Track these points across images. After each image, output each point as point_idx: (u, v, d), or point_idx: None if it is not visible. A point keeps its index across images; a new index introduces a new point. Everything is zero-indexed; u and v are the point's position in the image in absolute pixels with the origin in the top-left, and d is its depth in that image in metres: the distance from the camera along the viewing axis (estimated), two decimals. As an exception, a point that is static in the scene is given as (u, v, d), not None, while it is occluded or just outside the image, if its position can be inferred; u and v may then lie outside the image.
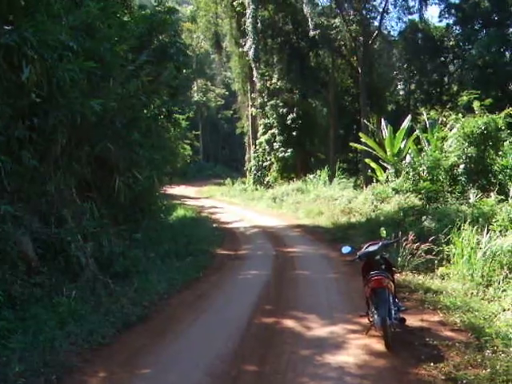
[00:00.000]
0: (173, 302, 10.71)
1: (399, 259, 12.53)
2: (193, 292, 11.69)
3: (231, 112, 75.45)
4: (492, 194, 15.79)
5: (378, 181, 24.68)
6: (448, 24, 48.54)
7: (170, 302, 10.68)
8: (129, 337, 8.45)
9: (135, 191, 13.53)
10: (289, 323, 9.08)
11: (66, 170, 11.02)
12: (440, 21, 49.05)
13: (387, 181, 23.04)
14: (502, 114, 18.93)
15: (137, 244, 13.40)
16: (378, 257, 7.91)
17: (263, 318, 9.57)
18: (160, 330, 8.88)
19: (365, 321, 8.24)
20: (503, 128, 18.82)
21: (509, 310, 8.55)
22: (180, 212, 25.91)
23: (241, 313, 9.85)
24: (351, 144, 31.51)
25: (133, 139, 13.47)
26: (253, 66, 45.05)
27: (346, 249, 8.40)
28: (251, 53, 43.62)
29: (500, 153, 18.98)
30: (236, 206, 38.67)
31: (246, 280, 13.39)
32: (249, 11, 43.37)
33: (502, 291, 9.50)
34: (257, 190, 43.57)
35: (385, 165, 25.35)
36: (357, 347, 7.63)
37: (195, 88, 74.75)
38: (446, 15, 48.01)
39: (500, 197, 15.23)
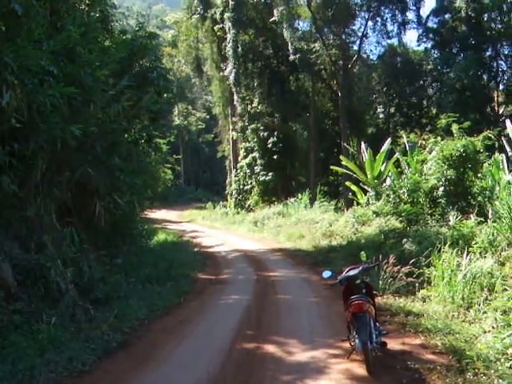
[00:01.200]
0: (154, 328, 10.62)
1: (380, 282, 12.56)
2: (174, 317, 11.62)
3: (212, 136, 75.64)
4: (471, 215, 15.90)
5: (358, 204, 24.80)
6: (426, 48, 49.29)
7: (150, 328, 10.59)
8: (110, 364, 8.35)
9: (116, 216, 13.48)
10: (270, 348, 9.05)
11: (46, 195, 10.97)
12: (418, 45, 49.79)
13: (368, 204, 23.18)
14: (481, 137, 19.13)
15: (117, 269, 13.31)
16: (358, 281, 7.92)
17: (244, 343, 9.52)
18: (141, 356, 8.79)
19: (346, 345, 8.23)
20: (481, 150, 19.03)
21: (489, 331, 8.58)
22: (161, 236, 25.80)
23: (222, 338, 9.79)
24: (332, 167, 31.65)
25: (113, 164, 13.44)
26: (233, 89, 45.25)
27: (326, 273, 8.40)
28: (232, 77, 43.88)
29: (479, 175, 19.22)
30: (217, 229, 38.58)
31: (228, 305, 13.34)
32: (229, 36, 43.70)
33: (483, 313, 9.53)
34: (238, 213, 43.54)
35: (365, 188, 25.50)
36: (338, 372, 7.61)
37: (176, 112, 74.83)
38: (424, 39, 48.79)
39: (479, 219, 15.33)
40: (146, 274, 14.49)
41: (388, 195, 21.11)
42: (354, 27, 46.65)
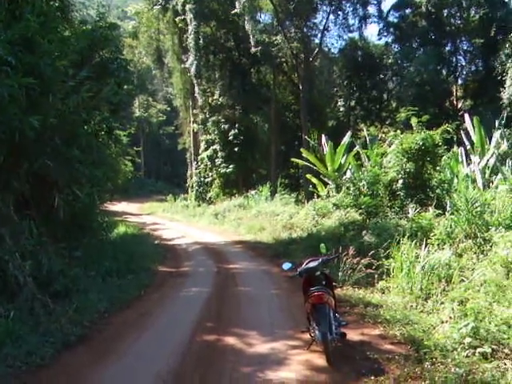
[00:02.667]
0: (114, 321, 10.54)
1: (340, 274, 12.69)
2: (134, 310, 11.56)
3: (173, 128, 75.31)
4: (430, 208, 16.09)
5: (319, 196, 24.91)
6: (387, 42, 49.84)
7: (111, 321, 10.51)
8: (69, 357, 8.26)
9: (75, 208, 13.32)
10: (230, 340, 9.06)
11: (4, 187, 10.80)
12: (379, 39, 50.14)
13: (328, 196, 23.30)
14: (439, 130, 19.39)
15: (77, 262, 13.14)
16: (318, 273, 7.97)
17: (204, 335, 9.52)
18: (101, 350, 8.73)
19: (306, 336, 8.29)
20: (440, 144, 19.28)
21: (447, 322, 8.70)
22: (121, 229, 25.58)
23: (182, 331, 9.78)
24: (293, 159, 31.74)
25: (72, 156, 13.26)
26: (194, 82, 45.11)
27: (286, 265, 8.44)
28: (193, 69, 43.73)
29: (437, 168, 19.53)
30: (178, 222, 38.49)
31: (188, 297, 13.31)
32: (191, 27, 43.48)
33: (440, 304, 9.67)
34: (199, 206, 43.50)
35: (326, 180, 25.65)
36: (298, 363, 7.66)
37: (137, 104, 74.29)
38: (385, 33, 49.32)
39: (438, 211, 15.53)
40: (106, 267, 14.34)
41: (348, 188, 21.26)
42: (315, 20, 46.90)
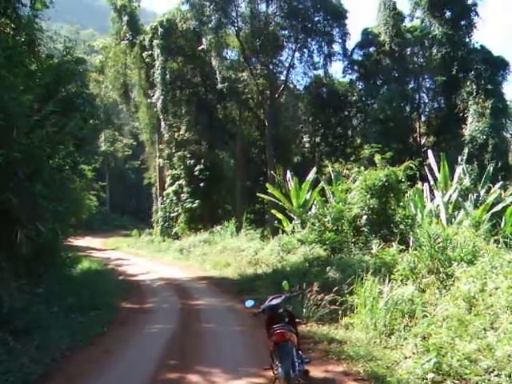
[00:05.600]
0: (76, 359, 10.38)
1: (304, 310, 12.64)
2: (97, 348, 11.38)
3: (139, 162, 75.11)
4: (393, 243, 16.23)
5: (284, 232, 24.96)
6: (351, 79, 50.66)
7: (72, 359, 10.35)
8: (29, 397, 8.11)
9: (38, 243, 13.17)
10: (193, 378, 8.97)
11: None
12: (344, 76, 50.95)
13: (293, 232, 23.36)
14: (403, 167, 19.69)
15: (39, 298, 12.97)
16: (281, 310, 7.95)
17: (168, 373, 9.40)
18: (61, 388, 8.59)
19: (269, 374, 8.22)
20: (403, 180, 19.54)
21: (410, 357, 8.75)
22: (85, 264, 25.27)
23: (145, 369, 9.65)
24: (258, 195, 31.81)
25: (36, 191, 13.16)
26: (161, 116, 45.39)
27: (249, 302, 8.39)
28: (159, 104, 44.02)
29: (401, 204, 19.72)
30: (143, 257, 38.10)
31: (151, 334, 13.17)
32: (158, 63, 43.89)
33: (404, 339, 9.72)
34: (164, 241, 43.24)
35: (291, 216, 25.73)
36: (262, 401, 7.61)
37: (102, 138, 73.99)
38: (350, 71, 50.27)
39: (401, 246, 15.68)
40: (68, 303, 14.15)
41: (313, 223, 21.33)
42: (281, 58, 47.79)
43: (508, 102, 46.28)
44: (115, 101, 64.48)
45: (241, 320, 13.95)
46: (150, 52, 46.31)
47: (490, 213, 20.20)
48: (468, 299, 9.83)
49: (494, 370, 7.42)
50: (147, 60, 47.29)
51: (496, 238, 13.48)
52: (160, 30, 44.29)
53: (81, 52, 52.02)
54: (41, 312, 12.07)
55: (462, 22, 44.61)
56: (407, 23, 47.93)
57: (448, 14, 44.92)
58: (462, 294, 10.04)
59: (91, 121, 19.46)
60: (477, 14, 44.66)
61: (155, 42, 44.38)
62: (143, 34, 47.99)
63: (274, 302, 8.05)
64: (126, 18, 49.83)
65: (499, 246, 11.55)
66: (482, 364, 7.61)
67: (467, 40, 44.67)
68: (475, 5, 44.78)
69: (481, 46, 44.62)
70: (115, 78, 53.51)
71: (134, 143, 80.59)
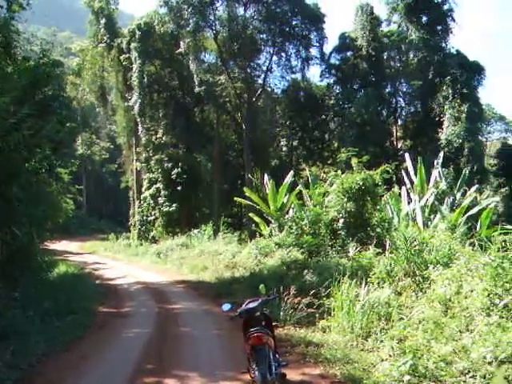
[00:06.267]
0: (52, 364, 10.29)
1: (281, 313, 12.69)
2: (73, 353, 11.29)
3: (116, 166, 74.73)
4: (370, 247, 16.32)
5: (261, 235, 24.96)
6: (329, 83, 50.97)
7: (49, 364, 10.26)
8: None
9: (14, 247, 13.07)
10: (171, 382, 8.96)
11: None
12: (321, 80, 51.24)
13: (271, 235, 23.36)
14: (379, 170, 19.82)
15: (15, 303, 12.86)
16: (258, 313, 7.96)
17: (145, 377, 9.37)
18: (38, 394, 8.52)
19: (247, 377, 8.22)
20: (380, 183, 19.68)
21: (386, 360, 8.80)
22: (62, 268, 25.06)
23: (122, 373, 9.61)
24: (235, 199, 31.78)
25: (12, 194, 13.06)
26: (138, 120, 45.25)
27: (226, 306, 8.38)
28: (137, 107, 43.91)
29: (377, 207, 19.85)
30: (120, 261, 37.92)
31: (129, 339, 13.12)
32: (135, 66, 43.76)
33: (380, 342, 9.80)
34: (141, 245, 43.06)
35: (269, 219, 25.75)
36: (239, 404, 7.62)
37: (79, 141, 73.54)
38: (327, 75, 50.54)
39: (378, 250, 15.77)
40: (45, 308, 14.03)
41: (290, 227, 21.38)
42: (259, 61, 47.98)
43: (483, 107, 46.88)
44: (92, 104, 64.08)
45: (218, 323, 13.93)
46: (127, 55, 46.16)
47: (465, 216, 20.38)
48: (444, 302, 9.92)
49: (469, 372, 7.48)
50: (125, 63, 47.10)
51: (472, 240, 13.58)
52: (138, 32, 44.18)
53: (58, 54, 51.76)
54: (17, 317, 11.97)
55: (439, 27, 45.12)
56: (384, 28, 48.48)
57: (424, 19, 45.41)
58: (438, 296, 10.12)
59: (68, 124, 19.33)
60: (453, 19, 45.25)
61: (133, 44, 44.27)
62: (121, 36, 47.82)
63: (251, 305, 8.06)
64: (103, 21, 49.61)
65: (475, 248, 11.63)
66: (458, 366, 7.67)
67: (443, 45, 45.18)
68: (451, 10, 45.40)
69: (457, 50, 45.16)
70: (92, 80, 53.20)
71: (112, 146, 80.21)
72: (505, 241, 9.76)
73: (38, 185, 16.16)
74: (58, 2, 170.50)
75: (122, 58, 47.28)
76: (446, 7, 45.52)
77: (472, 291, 9.42)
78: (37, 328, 12.24)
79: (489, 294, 8.79)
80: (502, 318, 8.30)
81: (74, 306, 15.68)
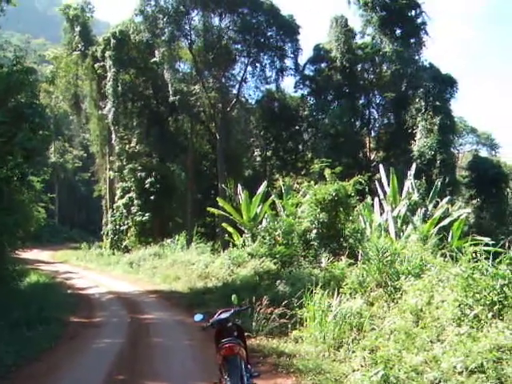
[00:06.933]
0: (22, 375, 10.17)
1: (254, 324, 12.67)
2: (44, 363, 11.16)
3: (89, 174, 74.33)
4: (343, 257, 16.37)
5: (234, 245, 24.93)
6: (303, 94, 51.13)
7: (18, 375, 10.13)
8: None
9: (-16, 256, 12.94)
10: (143, 394, 8.92)
11: None
12: (295, 91, 51.43)
13: (244, 245, 23.35)
14: (352, 181, 19.92)
15: (-16, 312, 12.71)
16: (230, 324, 7.93)
17: (116, 388, 9.32)
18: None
19: (219, 388, 8.23)
20: (353, 194, 19.79)
21: (358, 370, 8.82)
22: (33, 277, 24.85)
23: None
24: (209, 208, 31.71)
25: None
26: (112, 128, 45.13)
27: (198, 316, 8.34)
28: (111, 115, 43.76)
29: (350, 218, 19.95)
30: (92, 271, 37.64)
31: (100, 349, 13.00)
32: (110, 74, 43.65)
33: (352, 352, 9.81)
34: (114, 254, 42.80)
35: (242, 229, 25.73)
36: (211, 415, 7.58)
37: (52, 149, 72.98)
38: (301, 86, 50.69)
39: (350, 260, 15.80)
40: (15, 318, 13.90)
41: (263, 237, 21.42)
42: (233, 71, 48.10)
43: (455, 119, 47.44)
44: (66, 112, 63.75)
45: (190, 334, 13.87)
46: (102, 63, 46.03)
47: (437, 227, 20.62)
48: (415, 312, 9.97)
49: (439, 382, 7.52)
50: (99, 71, 46.99)
51: (443, 251, 13.68)
52: (113, 41, 44.08)
53: (31, 62, 51.31)
54: (-14, 327, 11.83)
55: (412, 40, 45.63)
56: (358, 40, 48.79)
57: (398, 31, 45.90)
58: (410, 307, 10.18)
59: (41, 131, 19.16)
60: (426, 32, 45.82)
61: (107, 53, 44.15)
62: (96, 44, 47.71)
63: (223, 315, 8.03)
64: (78, 29, 49.48)
65: (446, 259, 11.73)
66: (429, 376, 7.70)
67: (416, 58, 45.66)
68: (424, 24, 45.97)
69: (430, 63, 45.73)
70: (66, 88, 52.96)
71: (85, 155, 79.84)
72: (475, 252, 9.85)
73: (10, 193, 16.01)
74: (32, 8, 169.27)
75: (96, 66, 47.15)
76: (419, 21, 46.12)
77: (443, 302, 9.48)
78: (6, 338, 12.10)
79: (459, 305, 8.85)
80: (473, 328, 8.35)
81: (45, 315, 15.53)
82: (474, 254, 9.86)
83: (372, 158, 49.24)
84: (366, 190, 23.12)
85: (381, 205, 23.83)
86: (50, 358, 11.80)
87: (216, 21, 45.94)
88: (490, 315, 8.28)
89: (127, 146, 45.86)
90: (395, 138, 46.69)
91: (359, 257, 15.58)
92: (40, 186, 28.05)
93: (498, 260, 9.39)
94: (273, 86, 49.86)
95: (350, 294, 12.50)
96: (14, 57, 18.79)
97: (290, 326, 12.37)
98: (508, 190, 51.57)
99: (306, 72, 50.52)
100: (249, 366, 7.91)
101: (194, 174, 46.89)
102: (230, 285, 18.60)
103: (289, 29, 47.07)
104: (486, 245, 15.17)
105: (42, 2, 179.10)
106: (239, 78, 48.01)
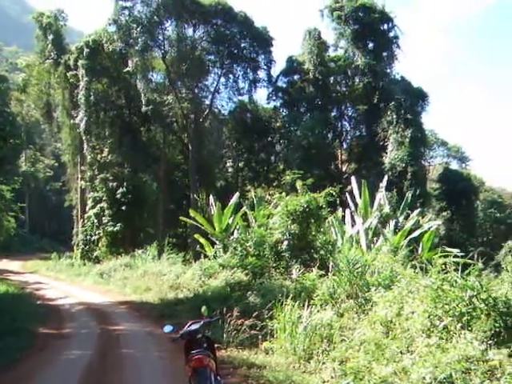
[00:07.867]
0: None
1: (224, 335, 12.63)
2: (11, 375, 10.99)
3: (60, 184, 73.72)
4: (314, 269, 16.42)
5: (206, 256, 24.87)
6: (275, 106, 51.51)
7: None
8: None
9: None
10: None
11: None
12: (268, 103, 51.74)
13: (215, 256, 23.30)
14: (323, 193, 20.02)
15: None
16: (199, 335, 7.91)
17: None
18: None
19: (188, 400, 8.19)
20: (324, 206, 19.87)
21: (328, 381, 8.87)
22: (1, 288, 24.57)
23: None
24: (181, 218, 31.59)
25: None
26: (84, 138, 44.93)
27: (167, 328, 8.29)
28: (83, 125, 43.59)
29: (321, 229, 20.03)
30: (62, 281, 37.23)
31: (69, 361, 12.85)
32: (82, 83, 43.51)
33: (322, 363, 9.86)
34: (84, 265, 42.36)
35: (214, 240, 25.69)
36: (180, 428, 7.55)
37: (23, 158, 72.31)
38: (274, 98, 51.07)
39: (321, 272, 15.88)
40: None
41: (235, 248, 21.39)
42: (206, 82, 48.41)
43: (426, 132, 48.03)
44: (37, 120, 63.37)
45: (160, 345, 13.79)
46: (74, 72, 45.86)
47: (407, 239, 20.81)
48: (385, 323, 10.04)
49: (409, 393, 7.59)
50: (72, 80, 46.77)
51: (413, 263, 13.81)
52: (86, 50, 43.92)
53: (3, 69, 51.06)
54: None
55: (384, 54, 46.22)
56: (331, 53, 49.40)
57: (371, 45, 46.54)
58: (380, 318, 10.24)
59: (11, 140, 19.05)
60: (398, 46, 46.56)
61: (80, 62, 43.96)
62: (69, 53, 47.53)
63: (193, 327, 8.01)
64: (51, 37, 49.25)
65: (416, 270, 11.83)
66: (398, 387, 7.77)
67: (388, 71, 46.29)
68: (397, 37, 46.74)
69: (401, 77, 46.47)
70: (38, 97, 52.69)
71: (56, 164, 79.19)
72: (445, 263, 9.95)
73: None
74: (5, 15, 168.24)
75: (69, 74, 46.94)
76: (391, 34, 46.83)
77: (413, 313, 9.55)
78: (-27, 349, 11.95)
79: (429, 316, 8.93)
80: (442, 339, 8.43)
81: (13, 326, 15.36)
82: (443, 266, 9.96)
83: (344, 169, 49.62)
84: (338, 201, 23.25)
85: (352, 217, 23.97)
86: (17, 369, 11.65)
87: (190, 31, 46.31)
88: (458, 326, 8.36)
89: (99, 156, 45.63)
90: (367, 151, 47.12)
91: (330, 268, 15.67)
92: (10, 195, 27.87)
93: (467, 271, 9.49)
94: (246, 98, 50.28)
95: (321, 305, 12.57)
96: (-16, 65, 18.65)
97: (260, 337, 12.36)
98: (478, 202, 52.35)
99: (279, 84, 50.87)
100: (219, 378, 7.89)
101: (166, 185, 46.82)
102: (201, 296, 18.53)
103: (262, 40, 47.41)
104: (456, 256, 15.38)
105: (16, 9, 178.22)
106: (212, 89, 48.28)
